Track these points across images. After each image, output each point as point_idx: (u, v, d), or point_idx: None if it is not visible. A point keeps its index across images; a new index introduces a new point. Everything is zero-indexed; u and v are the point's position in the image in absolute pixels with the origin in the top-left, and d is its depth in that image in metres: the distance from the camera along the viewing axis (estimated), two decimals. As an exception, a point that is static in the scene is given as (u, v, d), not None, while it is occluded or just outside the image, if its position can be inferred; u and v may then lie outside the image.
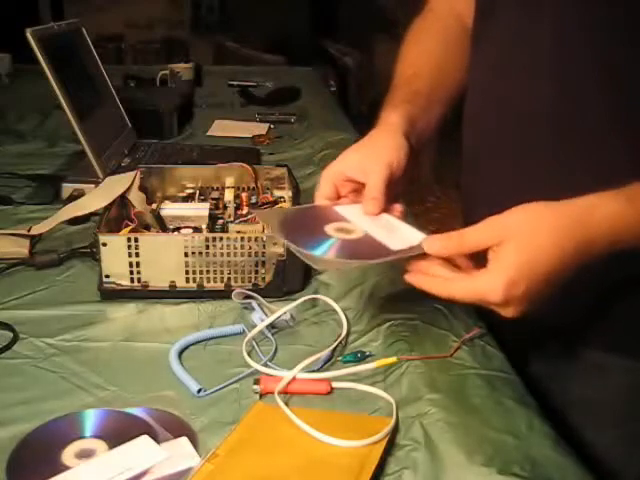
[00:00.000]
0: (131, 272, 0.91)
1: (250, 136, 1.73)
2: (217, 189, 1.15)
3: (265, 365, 0.78)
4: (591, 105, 0.75)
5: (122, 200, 1.02)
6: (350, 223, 0.76)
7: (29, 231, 1.06)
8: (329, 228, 0.75)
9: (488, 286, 0.63)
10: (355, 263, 0.73)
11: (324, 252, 0.70)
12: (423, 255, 0.68)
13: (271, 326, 0.85)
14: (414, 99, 0.88)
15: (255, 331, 0.83)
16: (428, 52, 0.95)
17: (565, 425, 0.79)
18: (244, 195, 1.12)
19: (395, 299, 0.90)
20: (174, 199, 1.11)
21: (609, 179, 0.66)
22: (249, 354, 0.79)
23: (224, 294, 0.91)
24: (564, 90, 0.76)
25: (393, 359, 0.77)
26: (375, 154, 0.79)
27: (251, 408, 0.70)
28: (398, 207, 0.78)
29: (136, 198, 1.03)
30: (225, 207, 1.10)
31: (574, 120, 0.76)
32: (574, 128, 0.77)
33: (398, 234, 0.74)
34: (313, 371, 0.76)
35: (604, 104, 0.74)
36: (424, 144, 0.88)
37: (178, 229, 1.03)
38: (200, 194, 1.13)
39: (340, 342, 0.82)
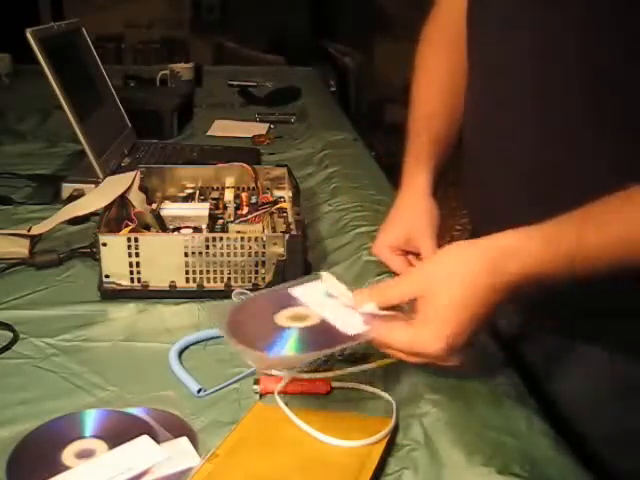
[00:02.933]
0: (131, 272, 0.91)
1: (250, 136, 1.73)
2: (217, 189, 1.15)
3: (265, 365, 0.77)
4: (573, 104, 0.75)
5: (122, 200, 1.02)
6: (304, 307, 0.71)
7: (29, 231, 1.06)
8: (281, 317, 0.69)
9: (428, 347, 0.66)
10: (313, 356, 0.68)
11: (282, 348, 0.65)
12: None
13: (271, 326, 0.84)
14: (436, 149, 0.95)
15: (255, 331, 0.82)
16: (441, 74, 0.97)
17: (561, 422, 0.79)
18: (244, 195, 1.13)
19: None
20: (174, 199, 1.11)
21: (594, 176, 0.70)
22: (249, 354, 0.79)
23: (224, 294, 0.91)
24: (545, 90, 0.77)
25: (393, 359, 0.77)
26: (418, 223, 0.91)
27: (251, 408, 0.70)
28: None
29: (136, 198, 1.03)
30: (225, 207, 1.10)
31: (557, 119, 0.77)
32: (558, 127, 0.77)
33: (352, 313, 0.69)
34: (313, 371, 0.76)
35: (586, 103, 0.75)
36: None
37: (178, 229, 1.03)
38: (200, 194, 1.13)
39: (340, 342, 0.82)
